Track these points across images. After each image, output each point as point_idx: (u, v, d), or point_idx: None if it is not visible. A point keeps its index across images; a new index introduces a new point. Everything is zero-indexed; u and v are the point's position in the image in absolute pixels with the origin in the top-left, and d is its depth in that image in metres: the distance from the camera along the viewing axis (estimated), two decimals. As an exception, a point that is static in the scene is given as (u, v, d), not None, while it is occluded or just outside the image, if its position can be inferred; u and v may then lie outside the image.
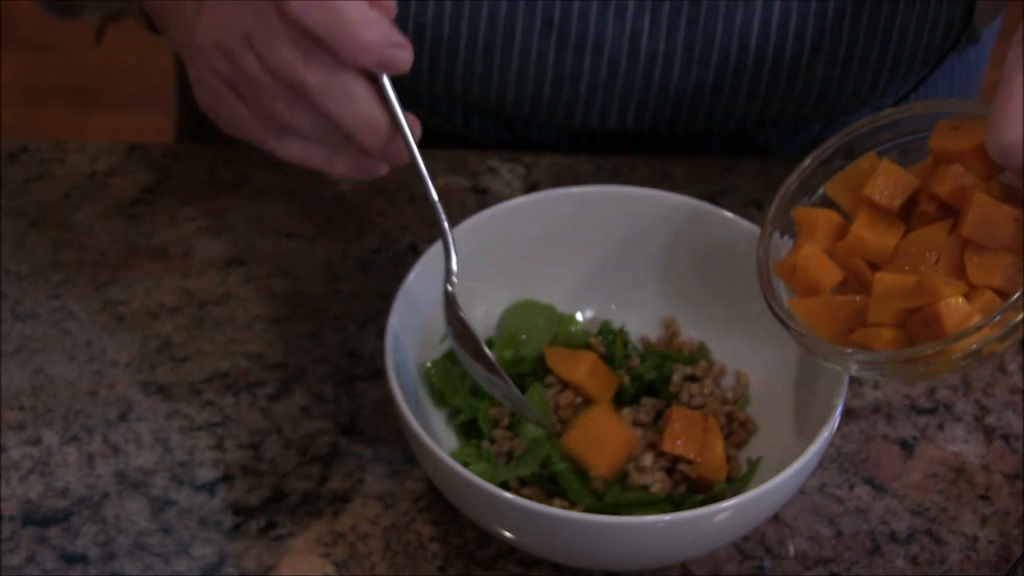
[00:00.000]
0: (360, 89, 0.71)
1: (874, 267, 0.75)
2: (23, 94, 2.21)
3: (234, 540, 0.79)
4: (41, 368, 0.87)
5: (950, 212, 0.73)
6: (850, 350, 0.72)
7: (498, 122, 0.99)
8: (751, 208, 0.96)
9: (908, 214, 0.75)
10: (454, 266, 0.78)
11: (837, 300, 0.75)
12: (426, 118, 0.99)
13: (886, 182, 0.75)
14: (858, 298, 0.74)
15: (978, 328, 0.68)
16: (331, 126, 0.73)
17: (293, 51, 0.70)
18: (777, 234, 0.78)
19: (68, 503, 0.81)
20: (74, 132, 2.17)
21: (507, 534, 0.75)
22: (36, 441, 0.83)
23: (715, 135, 0.99)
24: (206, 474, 0.82)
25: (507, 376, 0.77)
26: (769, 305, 0.76)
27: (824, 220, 0.77)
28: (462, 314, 0.77)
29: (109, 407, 0.85)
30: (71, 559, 0.78)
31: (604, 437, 0.79)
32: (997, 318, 0.68)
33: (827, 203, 0.78)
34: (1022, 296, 0.68)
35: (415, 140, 0.74)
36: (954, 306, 0.69)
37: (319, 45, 0.70)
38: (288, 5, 0.69)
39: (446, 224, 0.77)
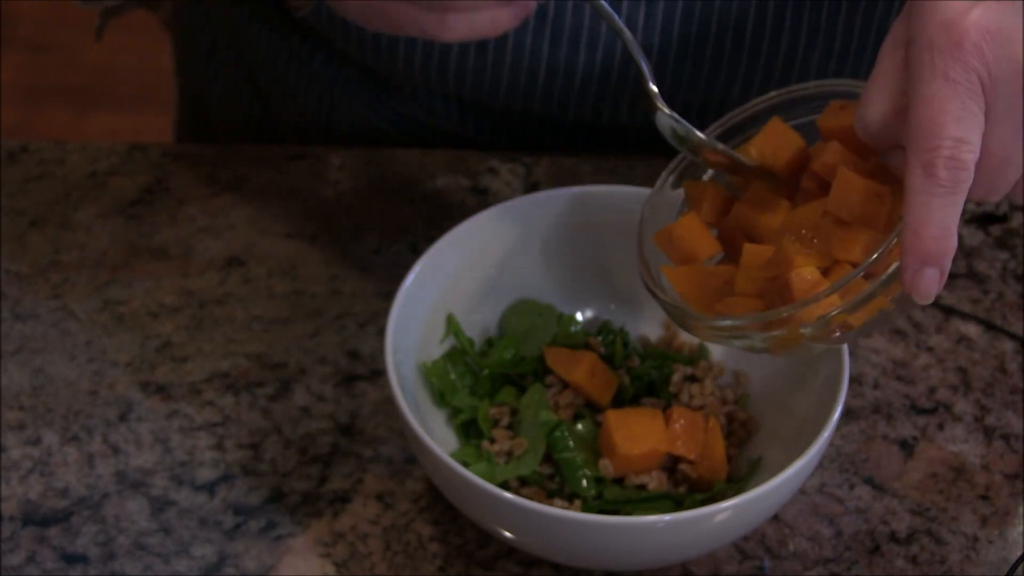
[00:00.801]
0: None
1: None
2: (23, 94, 2.21)
3: (234, 540, 0.79)
4: (41, 368, 0.87)
5: (827, 188, 0.74)
6: (708, 317, 0.73)
7: (493, 118, 0.99)
8: (751, 208, 0.96)
9: (795, 193, 0.76)
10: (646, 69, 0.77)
11: (707, 270, 0.75)
12: (422, 117, 1.00)
13: (770, 140, 0.76)
14: (728, 268, 0.75)
15: (824, 295, 0.69)
16: None
17: None
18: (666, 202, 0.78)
19: (68, 503, 0.81)
20: (74, 132, 2.17)
21: (507, 534, 0.75)
22: (36, 441, 0.83)
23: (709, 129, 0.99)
24: (206, 474, 0.82)
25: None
26: (640, 269, 0.77)
27: (712, 193, 0.77)
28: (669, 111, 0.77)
29: (109, 407, 0.85)
30: (71, 559, 0.78)
31: (643, 437, 0.79)
32: (843, 285, 0.69)
33: (720, 179, 0.79)
34: (868, 265, 0.69)
35: None
36: (804, 275, 0.70)
37: None
38: None
39: (627, 33, 0.76)
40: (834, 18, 0.91)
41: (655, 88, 0.76)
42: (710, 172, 0.79)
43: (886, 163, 0.73)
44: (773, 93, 0.79)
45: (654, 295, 0.76)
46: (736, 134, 0.79)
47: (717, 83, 0.93)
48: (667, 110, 0.76)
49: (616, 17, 0.76)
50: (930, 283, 0.67)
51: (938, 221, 0.66)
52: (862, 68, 0.93)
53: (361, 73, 0.99)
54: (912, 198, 0.66)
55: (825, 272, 0.71)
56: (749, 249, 0.74)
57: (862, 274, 0.69)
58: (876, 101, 0.70)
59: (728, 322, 0.72)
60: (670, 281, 0.76)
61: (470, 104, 0.98)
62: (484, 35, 0.74)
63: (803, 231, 0.73)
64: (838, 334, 0.72)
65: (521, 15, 0.75)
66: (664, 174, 0.80)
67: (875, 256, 0.69)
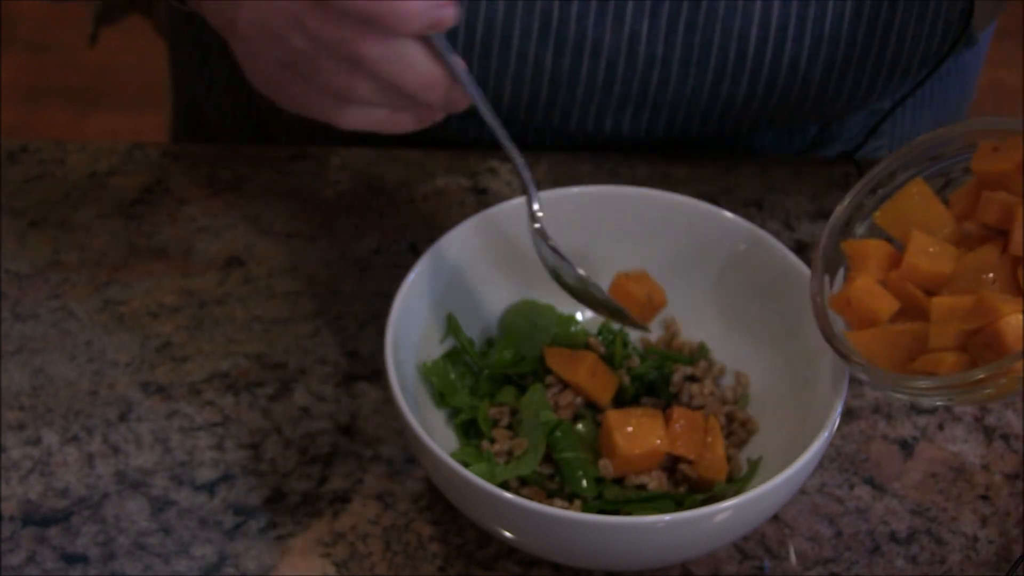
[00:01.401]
0: (416, 52, 0.72)
1: (929, 294, 0.74)
2: (23, 94, 2.21)
3: (234, 540, 0.79)
4: (41, 368, 0.87)
5: (1000, 233, 0.73)
6: (916, 378, 0.72)
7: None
8: (751, 208, 0.96)
9: (960, 238, 0.75)
10: (536, 206, 0.80)
11: (894, 329, 0.74)
12: None
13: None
14: (916, 325, 0.73)
15: None
16: (392, 91, 0.73)
17: (345, 28, 0.71)
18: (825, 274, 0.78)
19: (68, 503, 0.81)
20: (74, 132, 2.17)
21: (507, 534, 0.75)
22: (36, 441, 0.83)
23: (711, 138, 0.99)
24: (206, 474, 0.82)
25: (614, 304, 0.79)
26: (829, 342, 0.75)
27: (875, 250, 0.76)
28: (552, 244, 0.79)
29: (109, 407, 0.85)
30: (71, 559, 0.78)
31: (643, 437, 0.79)
32: None
33: (876, 233, 0.78)
34: None
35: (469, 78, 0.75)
36: (1015, 323, 0.69)
37: (364, 21, 0.71)
38: None
39: (523, 166, 0.79)
40: (837, 28, 0.91)
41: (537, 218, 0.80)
42: (862, 227, 0.79)
43: None
44: (915, 141, 0.78)
45: (847, 359, 0.74)
46: (879, 188, 0.79)
47: (721, 91, 0.93)
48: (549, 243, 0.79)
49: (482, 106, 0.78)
50: None
51: None
52: (863, 78, 0.93)
53: None
54: None
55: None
56: (939, 303, 0.72)
57: None
58: None
59: (934, 383, 0.71)
60: (855, 346, 0.75)
61: (471, 113, 0.98)
62: (384, 131, 0.76)
63: (981, 276, 0.72)
64: None
65: (425, 122, 0.76)
66: (823, 237, 0.78)
67: None
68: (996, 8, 0.97)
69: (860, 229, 0.78)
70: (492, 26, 0.90)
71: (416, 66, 0.72)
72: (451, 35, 0.90)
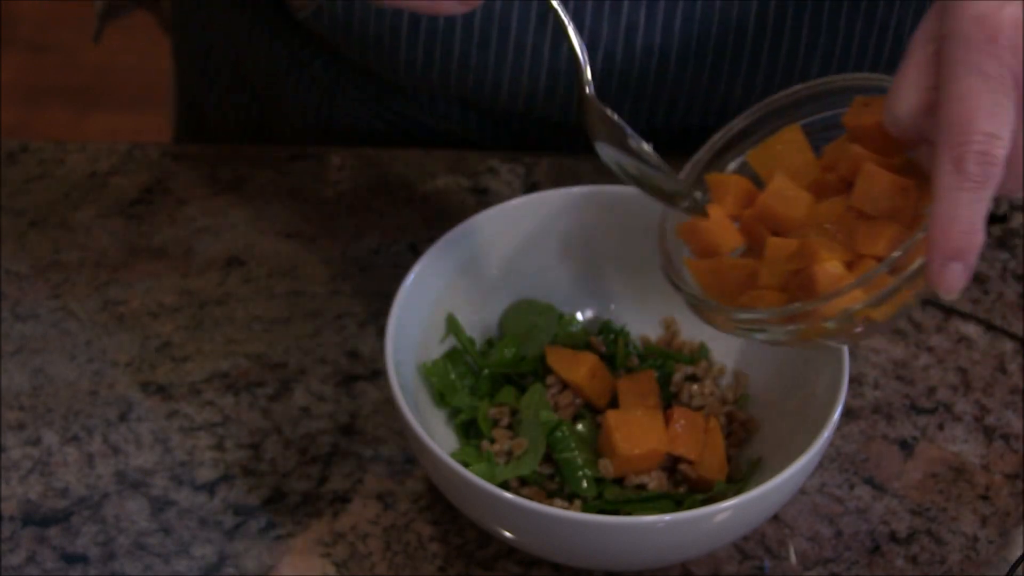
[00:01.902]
0: None
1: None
2: (23, 94, 2.21)
3: (234, 540, 0.79)
4: (41, 368, 0.87)
5: (851, 185, 0.74)
6: (730, 309, 0.73)
7: (494, 119, 0.99)
8: (751, 208, 0.96)
9: (822, 188, 0.75)
10: (588, 76, 0.76)
11: (730, 262, 0.75)
12: (422, 118, 1.00)
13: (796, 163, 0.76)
14: (750, 261, 0.74)
15: (849, 290, 0.69)
16: None
17: None
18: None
19: (68, 503, 0.81)
20: (74, 132, 2.17)
21: (507, 534, 0.75)
22: (36, 441, 0.83)
23: (712, 129, 0.99)
24: (206, 474, 0.82)
25: (665, 166, 0.76)
26: (661, 261, 0.76)
27: (734, 185, 0.77)
28: (609, 112, 0.76)
29: (109, 407, 0.85)
30: (71, 559, 0.78)
31: (643, 437, 0.79)
32: (868, 280, 0.69)
33: (747, 172, 0.78)
34: (894, 260, 0.69)
35: None
36: (829, 269, 0.70)
37: None
38: None
39: (572, 29, 0.76)
40: (835, 19, 0.91)
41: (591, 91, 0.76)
42: (734, 164, 0.79)
43: (912, 159, 0.72)
44: (798, 87, 0.78)
45: (676, 287, 0.75)
46: (758, 129, 0.79)
47: (719, 84, 0.93)
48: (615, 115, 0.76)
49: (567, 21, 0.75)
50: (956, 278, 0.66)
51: (966, 216, 0.66)
52: (864, 70, 0.93)
53: (362, 76, 0.99)
54: (940, 193, 0.66)
55: (849, 266, 0.71)
56: (773, 243, 0.73)
57: (887, 269, 0.69)
58: (906, 95, 0.69)
59: (750, 315, 0.72)
60: (692, 274, 0.76)
61: (471, 105, 0.98)
62: (424, 10, 0.73)
63: (827, 225, 0.73)
64: (860, 329, 0.71)
65: (468, 5, 0.73)
66: (688, 166, 0.79)
67: (901, 251, 0.69)
68: None
69: (732, 165, 0.79)
70: (490, 16, 0.90)
71: None
72: (449, 25, 0.90)
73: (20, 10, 2.31)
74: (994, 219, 0.96)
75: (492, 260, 0.85)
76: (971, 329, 0.90)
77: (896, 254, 0.69)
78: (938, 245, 0.66)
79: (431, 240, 0.83)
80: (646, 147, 0.77)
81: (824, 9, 0.90)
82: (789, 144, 0.77)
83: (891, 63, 0.93)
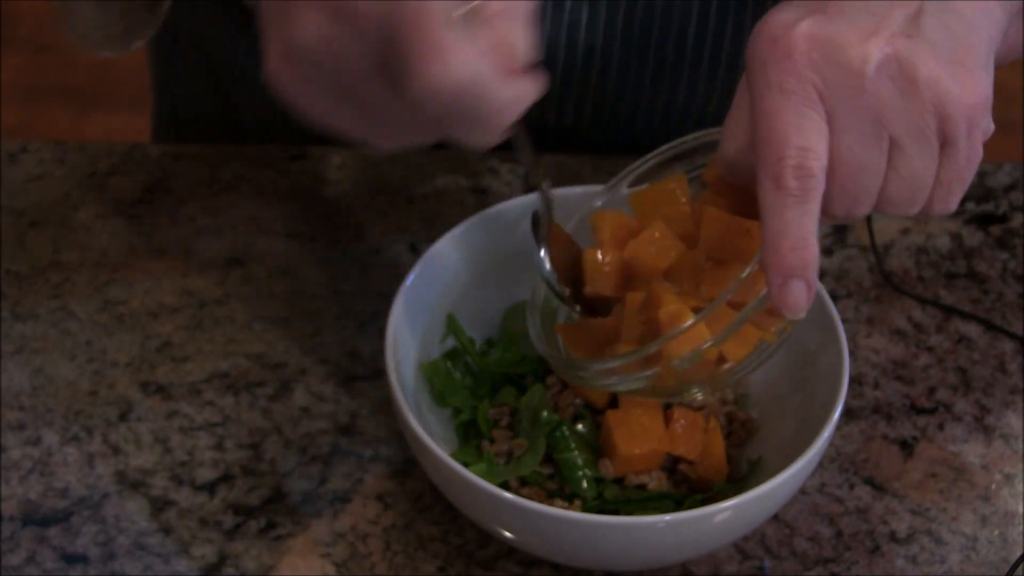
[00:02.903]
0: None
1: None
2: (23, 94, 2.22)
3: (234, 540, 0.79)
4: (41, 368, 0.87)
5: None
6: (586, 362, 0.74)
7: None
8: (751, 208, 0.96)
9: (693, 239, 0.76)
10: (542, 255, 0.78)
11: (594, 323, 0.77)
12: None
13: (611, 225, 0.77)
14: (611, 320, 0.76)
15: (690, 326, 0.69)
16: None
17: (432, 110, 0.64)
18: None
19: (68, 503, 0.81)
20: (74, 132, 2.17)
21: (507, 534, 0.75)
22: (36, 441, 0.83)
23: (658, 133, 0.99)
24: (206, 474, 0.82)
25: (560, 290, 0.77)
26: (532, 336, 0.78)
27: (611, 223, 0.77)
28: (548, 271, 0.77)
29: (109, 407, 0.85)
30: (71, 559, 0.78)
31: (643, 437, 0.79)
32: (705, 315, 0.69)
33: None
34: (732, 289, 0.69)
35: None
36: (671, 311, 0.71)
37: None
38: (422, 102, 0.61)
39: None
40: None
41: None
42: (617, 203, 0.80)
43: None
44: (670, 144, 0.79)
45: (545, 354, 0.77)
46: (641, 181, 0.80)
47: (662, 86, 0.93)
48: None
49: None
50: (797, 296, 0.66)
51: (794, 231, 0.66)
52: None
53: None
54: (766, 212, 0.66)
55: (699, 311, 0.71)
56: (631, 297, 0.75)
57: (730, 305, 0.69)
58: (732, 136, 0.70)
59: (603, 365, 0.73)
60: (561, 338, 0.77)
61: None
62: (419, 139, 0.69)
63: (684, 275, 0.74)
64: (721, 371, 0.72)
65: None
66: (604, 189, 0.80)
67: (736, 282, 0.69)
68: None
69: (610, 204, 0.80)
70: None
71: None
72: None
73: (20, 10, 2.31)
74: (994, 219, 0.96)
75: (492, 260, 0.85)
76: (971, 329, 0.90)
77: (733, 285, 0.69)
78: (773, 264, 0.66)
79: (431, 240, 0.83)
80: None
81: (763, 14, 0.90)
82: (669, 193, 0.77)
83: None
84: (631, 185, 0.80)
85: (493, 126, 0.64)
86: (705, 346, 0.70)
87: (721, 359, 0.72)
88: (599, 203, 0.80)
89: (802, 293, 0.66)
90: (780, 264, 0.66)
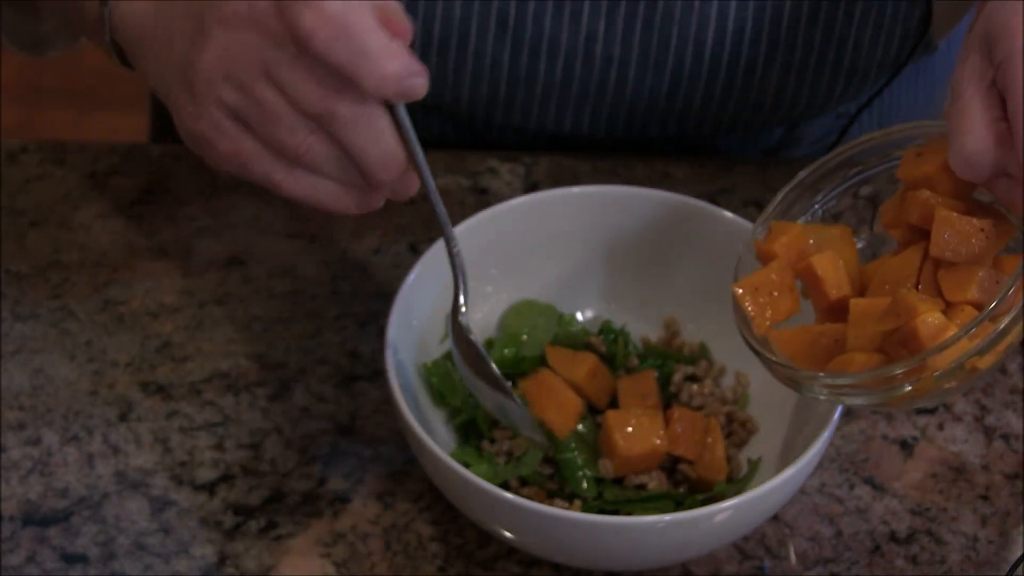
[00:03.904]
0: (385, 123, 0.69)
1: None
2: (23, 94, 2.21)
3: (234, 540, 0.79)
4: (41, 368, 0.87)
5: (924, 235, 0.73)
6: (823, 374, 0.72)
7: (457, 124, 0.99)
8: (751, 208, 0.96)
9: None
10: (461, 301, 0.76)
11: (814, 329, 0.74)
12: None
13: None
14: (836, 327, 0.74)
15: (956, 340, 0.68)
16: (347, 160, 0.70)
17: (319, 82, 0.68)
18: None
19: (68, 503, 0.81)
20: (74, 132, 2.17)
21: (507, 534, 0.75)
22: (36, 441, 0.83)
23: (672, 140, 0.99)
24: (206, 474, 0.82)
25: (516, 398, 0.77)
26: (742, 333, 0.76)
27: (788, 233, 0.76)
28: (473, 338, 0.76)
29: (109, 407, 0.85)
30: (71, 559, 0.78)
31: (643, 437, 0.79)
32: (974, 328, 0.67)
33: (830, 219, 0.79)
34: (997, 306, 0.68)
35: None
36: (931, 322, 0.69)
37: (339, 77, 0.67)
38: (311, 38, 0.66)
39: (459, 255, 0.75)
40: (794, 31, 0.91)
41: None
42: (802, 219, 0.79)
43: (979, 200, 0.72)
44: (837, 151, 0.78)
45: (761, 356, 0.74)
46: (806, 196, 0.79)
47: (678, 93, 0.93)
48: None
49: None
50: None
51: None
52: (822, 83, 0.93)
53: None
54: None
55: (943, 315, 0.70)
56: (857, 304, 0.72)
57: (990, 316, 0.68)
58: (973, 133, 0.68)
59: (847, 379, 0.70)
60: (776, 345, 0.74)
61: (433, 110, 0.97)
62: (323, 207, 0.72)
63: (902, 280, 0.72)
64: (967, 378, 0.70)
65: (365, 207, 0.73)
66: (760, 220, 0.79)
67: (1008, 291, 0.67)
68: (955, 16, 0.97)
69: (805, 219, 0.79)
70: (449, 24, 0.90)
71: (383, 139, 0.69)
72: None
73: (20, 10, 2.30)
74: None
75: (492, 260, 0.85)
76: (971, 329, 0.90)
77: (1002, 292, 0.67)
78: None
79: (431, 240, 0.83)
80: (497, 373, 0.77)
81: (782, 22, 0.90)
82: (839, 238, 0.76)
83: (851, 76, 0.93)
84: (788, 205, 0.79)
85: (378, 79, 0.66)
86: (967, 356, 0.68)
87: (974, 368, 0.69)
88: (762, 228, 0.79)
89: None
90: None
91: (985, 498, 0.82)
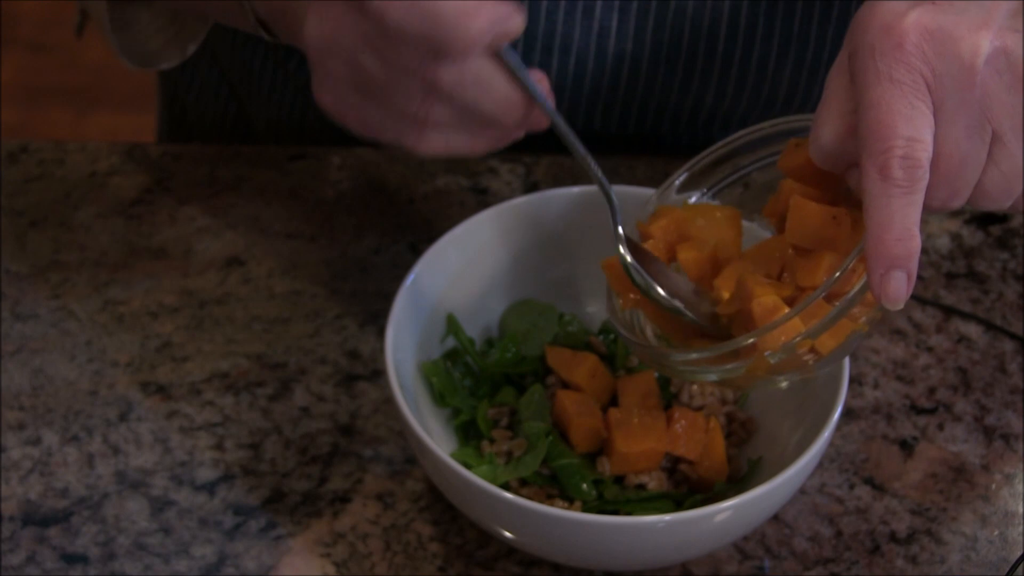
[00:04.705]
0: (491, 74, 0.70)
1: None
2: (23, 94, 2.21)
3: (234, 540, 0.79)
4: (41, 368, 0.87)
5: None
6: (676, 352, 0.73)
7: None
8: (751, 208, 0.96)
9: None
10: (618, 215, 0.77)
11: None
12: None
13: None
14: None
15: (784, 320, 0.69)
16: (470, 114, 0.71)
17: (415, 53, 0.68)
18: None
19: (68, 503, 0.81)
20: (74, 132, 2.17)
21: (507, 534, 0.75)
22: (36, 441, 0.83)
23: (683, 136, 0.99)
24: (206, 474, 0.82)
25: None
26: (609, 312, 0.77)
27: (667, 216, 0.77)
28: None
29: (109, 407, 0.85)
30: (71, 559, 0.78)
31: (642, 436, 0.79)
32: (802, 309, 0.69)
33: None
34: (830, 284, 0.69)
35: (549, 98, 0.72)
36: (765, 303, 0.70)
37: (431, 44, 0.68)
38: (384, 17, 0.67)
39: (602, 177, 0.76)
40: (806, 27, 0.91)
41: (621, 232, 0.76)
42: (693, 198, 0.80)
43: (848, 191, 0.72)
44: (735, 135, 0.78)
45: (622, 335, 0.76)
46: (701, 179, 0.80)
47: (690, 89, 0.93)
48: (629, 258, 0.76)
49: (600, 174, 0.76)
50: (898, 287, 0.66)
51: (899, 222, 0.66)
52: None
53: None
54: (871, 202, 0.66)
55: (791, 301, 0.71)
56: (719, 285, 0.74)
57: (824, 297, 0.69)
58: (828, 123, 0.69)
59: (694, 355, 0.72)
60: (649, 318, 0.76)
61: None
62: (459, 154, 0.73)
63: (768, 265, 0.73)
64: (810, 362, 0.72)
65: (503, 142, 0.74)
66: (653, 196, 0.80)
67: (837, 275, 0.69)
68: None
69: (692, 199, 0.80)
70: None
71: (493, 89, 0.70)
72: None
73: (20, 10, 2.30)
74: (994, 219, 0.96)
75: (492, 260, 0.85)
76: (971, 329, 0.90)
77: (832, 279, 0.69)
78: (875, 255, 0.66)
79: (431, 240, 0.83)
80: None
81: (794, 17, 0.90)
82: (725, 219, 0.77)
83: None
84: (683, 187, 0.79)
85: (464, 42, 0.67)
86: (799, 338, 0.69)
87: (813, 350, 0.71)
88: (651, 208, 0.79)
89: (903, 284, 0.66)
90: (883, 254, 0.66)
91: (985, 498, 0.82)
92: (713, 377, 0.73)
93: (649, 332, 0.77)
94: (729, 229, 0.77)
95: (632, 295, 0.76)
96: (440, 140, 0.72)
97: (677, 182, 0.80)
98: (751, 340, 0.70)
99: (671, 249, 0.77)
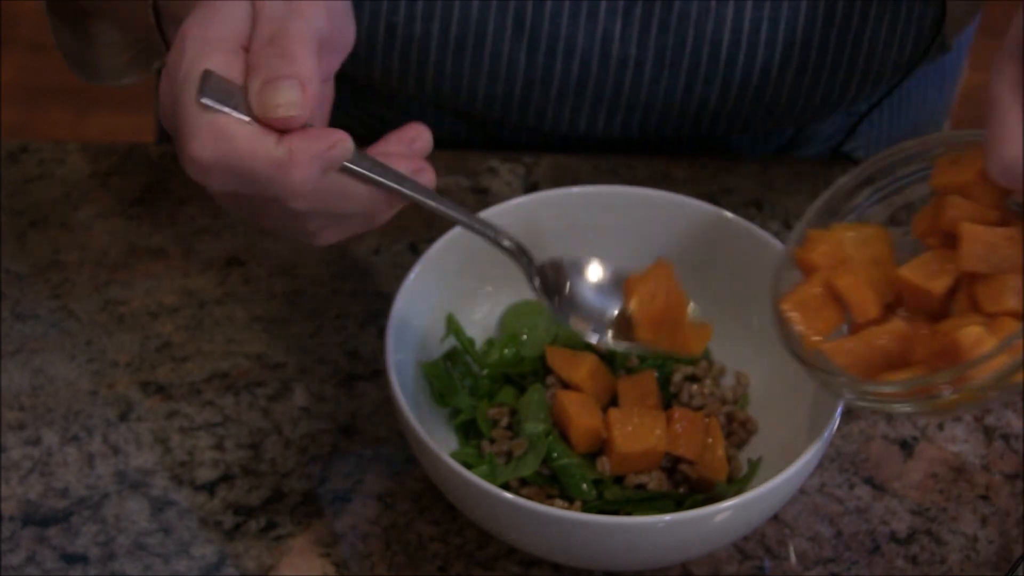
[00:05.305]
0: (345, 183, 0.69)
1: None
2: (23, 94, 2.21)
3: (234, 540, 0.79)
4: (41, 368, 0.87)
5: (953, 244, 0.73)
6: (881, 383, 0.71)
7: (470, 124, 0.99)
8: (751, 208, 0.96)
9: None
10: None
11: (870, 342, 0.74)
12: (398, 119, 0.99)
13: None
14: (887, 330, 0.73)
15: (995, 354, 0.67)
16: (343, 216, 0.72)
17: (257, 198, 0.69)
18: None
19: (68, 503, 0.81)
20: (74, 132, 2.17)
21: (507, 534, 0.75)
22: (36, 441, 0.83)
23: (686, 141, 0.99)
24: (206, 474, 0.82)
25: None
26: (788, 347, 0.75)
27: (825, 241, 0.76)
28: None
29: (109, 407, 0.85)
30: (71, 559, 0.78)
31: (642, 435, 0.78)
32: (1014, 340, 0.67)
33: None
34: None
35: (426, 153, 0.73)
36: (971, 332, 0.69)
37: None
38: (209, 185, 0.68)
39: (504, 236, 0.76)
40: (809, 33, 0.91)
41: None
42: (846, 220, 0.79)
43: (1009, 207, 0.72)
44: (861, 167, 0.78)
45: (812, 371, 0.74)
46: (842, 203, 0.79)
47: (693, 95, 0.93)
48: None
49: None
50: None
51: None
52: (836, 83, 0.93)
53: (337, 79, 0.99)
54: None
55: (984, 328, 0.70)
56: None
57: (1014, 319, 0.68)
58: (1013, 141, 0.69)
59: (895, 387, 0.70)
60: (830, 356, 0.74)
61: (447, 110, 0.98)
62: (360, 232, 0.74)
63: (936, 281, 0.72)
64: (1014, 382, 0.69)
65: (397, 207, 0.73)
66: (798, 226, 0.78)
67: None
68: (968, 16, 0.97)
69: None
70: (466, 24, 0.90)
71: (352, 195, 0.70)
72: (426, 33, 0.90)
73: (20, 10, 2.30)
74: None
75: (492, 260, 0.85)
76: (971, 329, 0.90)
77: None
78: None
79: (431, 240, 0.83)
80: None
81: (797, 23, 0.90)
82: (875, 237, 0.76)
83: (865, 77, 0.93)
84: (819, 217, 0.78)
85: (290, 191, 0.67)
86: (1010, 370, 0.68)
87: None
88: (798, 236, 0.78)
89: None
90: None
91: (985, 498, 0.82)
92: (908, 408, 0.71)
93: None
94: (881, 245, 0.76)
95: (817, 332, 0.75)
96: (331, 235, 0.73)
97: (818, 205, 0.78)
98: (962, 372, 0.68)
99: (831, 277, 0.75)
